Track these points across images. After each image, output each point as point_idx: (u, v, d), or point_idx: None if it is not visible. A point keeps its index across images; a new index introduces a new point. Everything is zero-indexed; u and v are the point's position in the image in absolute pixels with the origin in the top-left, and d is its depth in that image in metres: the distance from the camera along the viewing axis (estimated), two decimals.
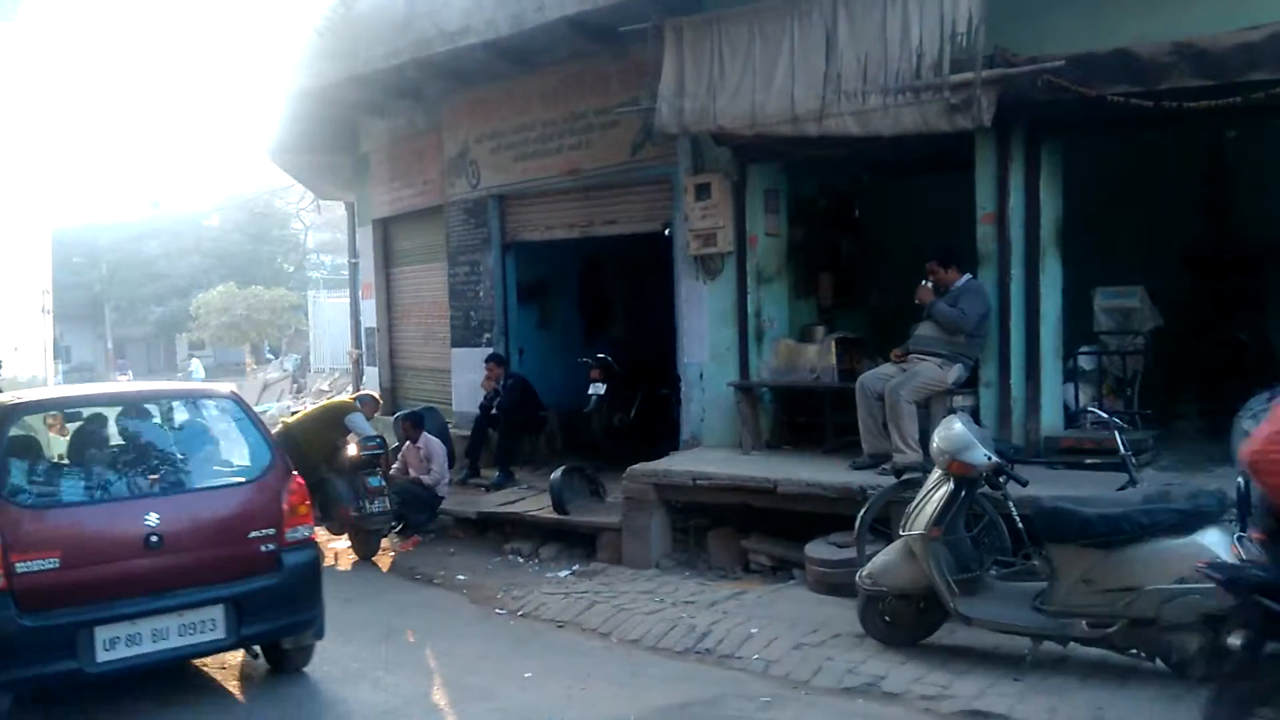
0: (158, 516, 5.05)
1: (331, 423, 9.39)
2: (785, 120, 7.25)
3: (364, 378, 14.20)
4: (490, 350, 10.80)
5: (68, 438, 6.14)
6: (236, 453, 5.79)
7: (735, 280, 8.58)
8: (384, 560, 8.96)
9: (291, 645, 5.60)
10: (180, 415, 6.00)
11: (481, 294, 11.10)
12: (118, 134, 77.97)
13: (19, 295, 16.45)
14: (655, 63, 7.75)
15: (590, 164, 9.70)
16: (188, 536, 5.13)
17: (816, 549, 6.93)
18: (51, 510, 5.06)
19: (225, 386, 6.55)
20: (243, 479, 5.61)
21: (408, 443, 9.71)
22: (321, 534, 9.56)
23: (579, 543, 8.52)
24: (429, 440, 9.67)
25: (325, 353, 31.13)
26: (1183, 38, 6.18)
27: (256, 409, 19.70)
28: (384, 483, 8.97)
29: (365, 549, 9.04)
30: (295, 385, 31.86)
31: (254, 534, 5.32)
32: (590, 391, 10.48)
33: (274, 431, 9.58)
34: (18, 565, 4.71)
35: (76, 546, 4.87)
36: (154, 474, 5.40)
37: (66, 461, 5.65)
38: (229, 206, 50.84)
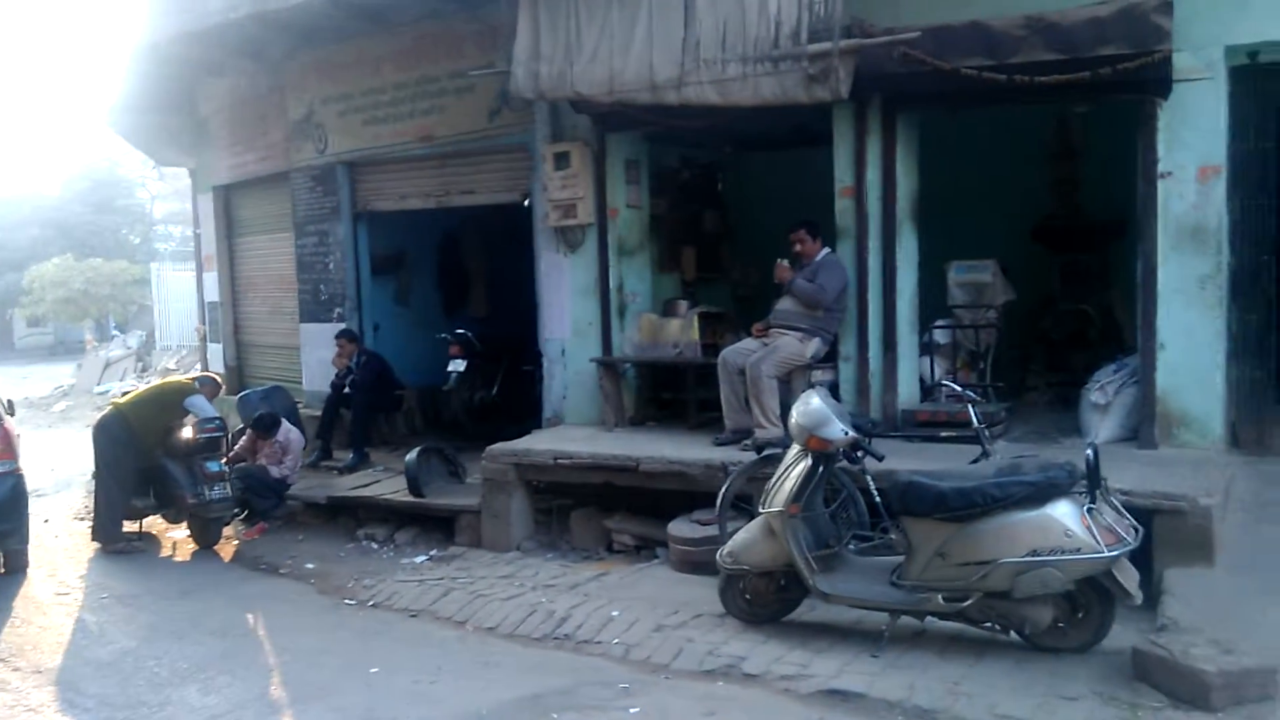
0: None
1: (167, 404, 8.75)
2: (644, 88, 7.04)
3: (209, 355, 13.43)
4: (342, 326, 10.30)
5: None
6: None
7: (596, 253, 8.35)
8: (226, 549, 8.44)
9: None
10: None
11: (332, 266, 10.57)
12: None
13: None
14: (510, 24, 7.42)
15: (445, 130, 9.30)
16: None
17: (679, 527, 6.82)
18: None
19: None
20: None
21: (261, 440, 9.14)
22: (159, 523, 9.00)
23: (437, 527, 8.19)
24: (289, 432, 9.13)
25: (172, 329, 29.57)
26: (1035, 12, 6.23)
27: (97, 389, 18.57)
28: (224, 468, 8.45)
29: (205, 537, 8.50)
30: (140, 364, 30.22)
31: None
32: (450, 369, 10.13)
33: (104, 413, 8.98)
34: None
35: None
36: None
37: None
38: (70, 175, 47.84)
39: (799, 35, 6.56)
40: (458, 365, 10.05)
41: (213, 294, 13.11)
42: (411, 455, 8.36)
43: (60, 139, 44.56)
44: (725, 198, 10.06)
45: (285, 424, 9.20)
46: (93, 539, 8.53)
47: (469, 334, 10.25)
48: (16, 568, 7.79)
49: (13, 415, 8.38)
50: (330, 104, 10.22)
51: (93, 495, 8.72)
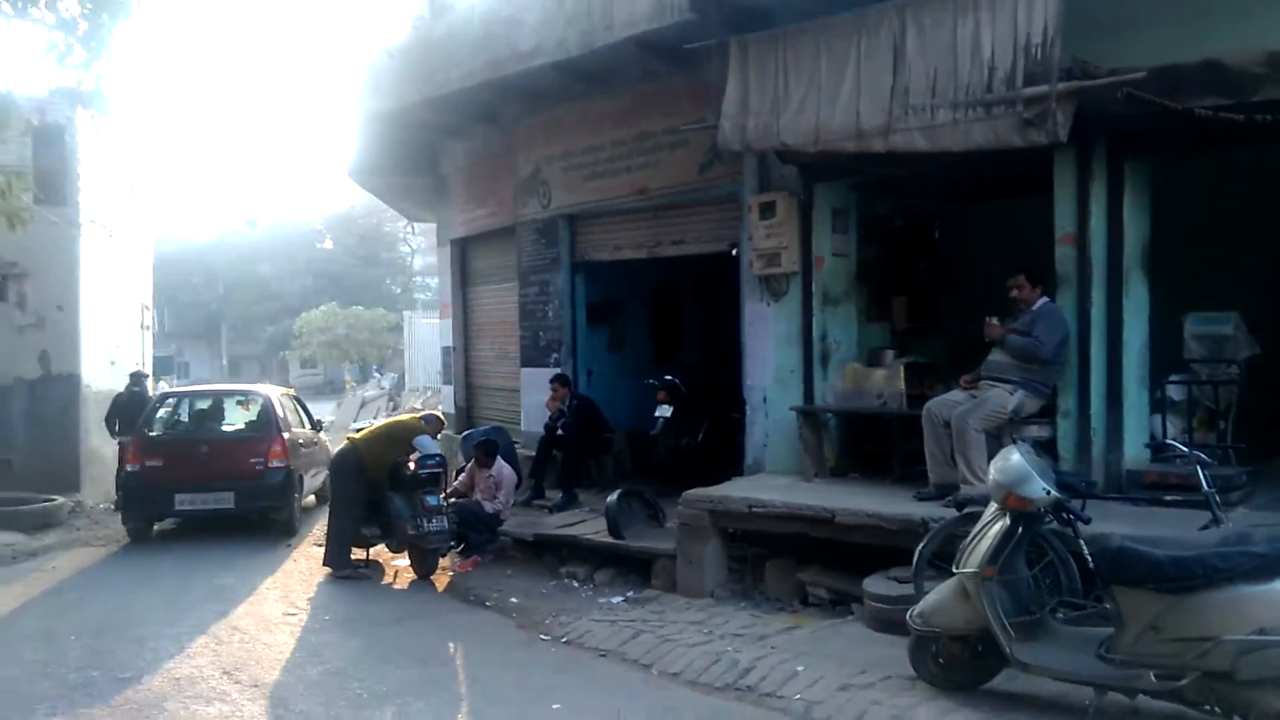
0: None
1: (395, 441, 9.38)
2: (850, 136, 6.98)
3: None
4: (557, 370, 10.71)
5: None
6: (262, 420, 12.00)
7: (800, 301, 8.31)
8: (442, 580, 8.89)
9: (275, 517, 11.23)
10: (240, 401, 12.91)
11: (550, 314, 11.04)
12: (215, 153, 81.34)
13: (122, 311, 17.06)
14: (721, 82, 7.57)
15: (659, 184, 9.57)
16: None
17: (875, 584, 6.59)
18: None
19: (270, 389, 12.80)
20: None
21: (474, 465, 9.65)
22: (385, 552, 9.60)
23: (635, 569, 8.31)
24: (502, 468, 9.59)
25: (419, 371, 31.75)
26: (1277, 47, 5.74)
27: (353, 426, 19.93)
28: (442, 502, 8.93)
29: (423, 568, 8.99)
30: (391, 403, 32.54)
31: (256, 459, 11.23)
32: (656, 414, 10.29)
33: (341, 448, 9.73)
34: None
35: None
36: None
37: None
38: (339, 230, 52.64)
39: (1014, 79, 6.31)
40: (664, 411, 10.19)
41: (447, 339, 13.96)
42: (612, 498, 8.54)
43: (330, 194, 49.14)
44: (941, 247, 9.75)
45: (500, 460, 9.64)
46: (324, 564, 9.20)
47: (676, 380, 10.39)
48: (287, 532, 11.20)
49: (319, 431, 12.89)
50: (554, 161, 10.75)
51: (327, 523, 9.40)
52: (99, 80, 8.62)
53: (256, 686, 5.95)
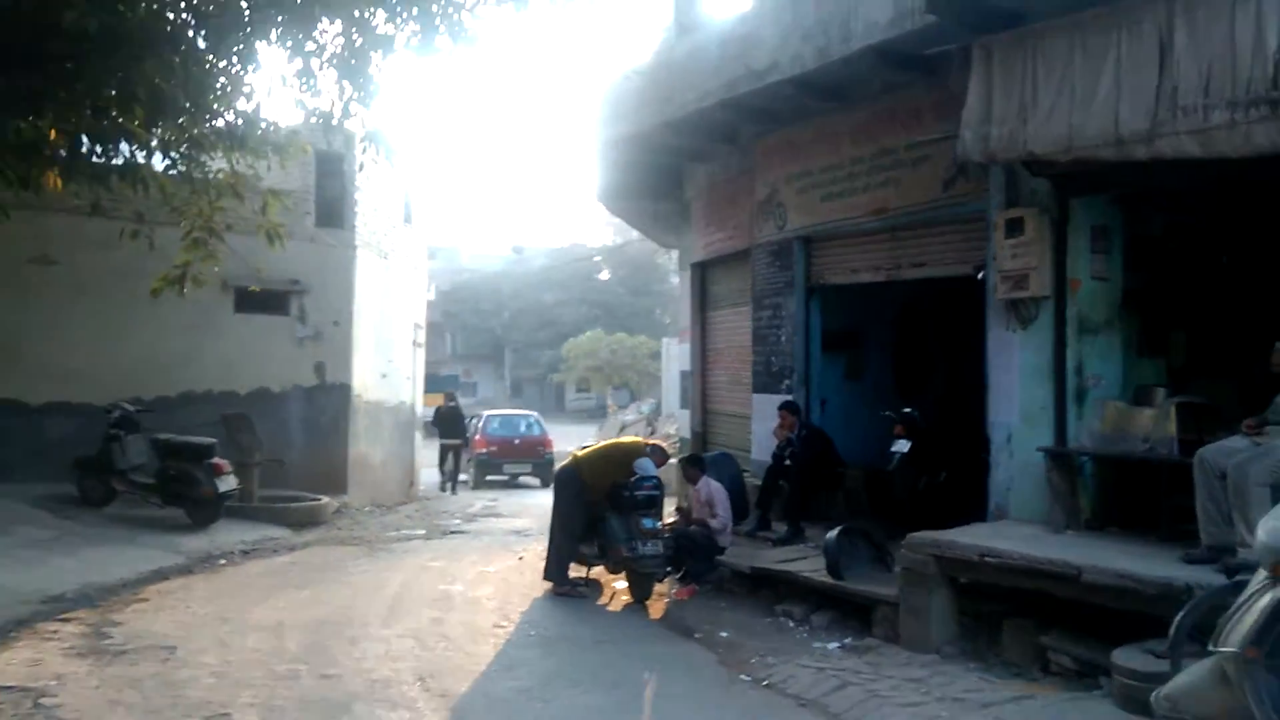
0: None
1: (617, 462, 9.29)
2: (1108, 143, 6.16)
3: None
4: (787, 398, 10.26)
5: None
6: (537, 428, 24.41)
7: (1052, 329, 7.44)
8: (656, 606, 8.67)
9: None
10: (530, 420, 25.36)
11: (783, 339, 10.62)
12: (485, 182, 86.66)
13: (395, 328, 18.26)
14: (962, 89, 6.95)
15: (898, 202, 8.96)
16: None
17: (1127, 656, 5.67)
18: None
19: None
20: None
21: (689, 485, 9.43)
22: (606, 572, 9.51)
23: (855, 613, 7.71)
24: (709, 483, 9.32)
25: (675, 397, 32.13)
26: None
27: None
28: (658, 526, 8.72)
29: (639, 591, 8.82)
30: (649, 428, 33.07)
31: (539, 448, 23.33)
32: (893, 449, 9.60)
33: (564, 464, 9.77)
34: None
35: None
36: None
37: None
38: (615, 261, 54.71)
39: None
40: (901, 446, 9.48)
41: (685, 364, 13.85)
42: (832, 535, 8.00)
43: (610, 229, 51.15)
44: (1228, 271, 8.50)
45: (706, 477, 9.35)
46: (544, 578, 9.23)
47: (915, 414, 9.66)
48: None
49: None
50: (791, 181, 10.36)
51: (548, 538, 9.44)
52: (367, 112, 9.13)
53: (444, 696, 5.93)
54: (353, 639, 7.20)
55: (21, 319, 12.77)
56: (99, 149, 8.39)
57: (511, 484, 23.31)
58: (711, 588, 9.09)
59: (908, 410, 9.78)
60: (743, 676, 6.54)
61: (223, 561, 10.64)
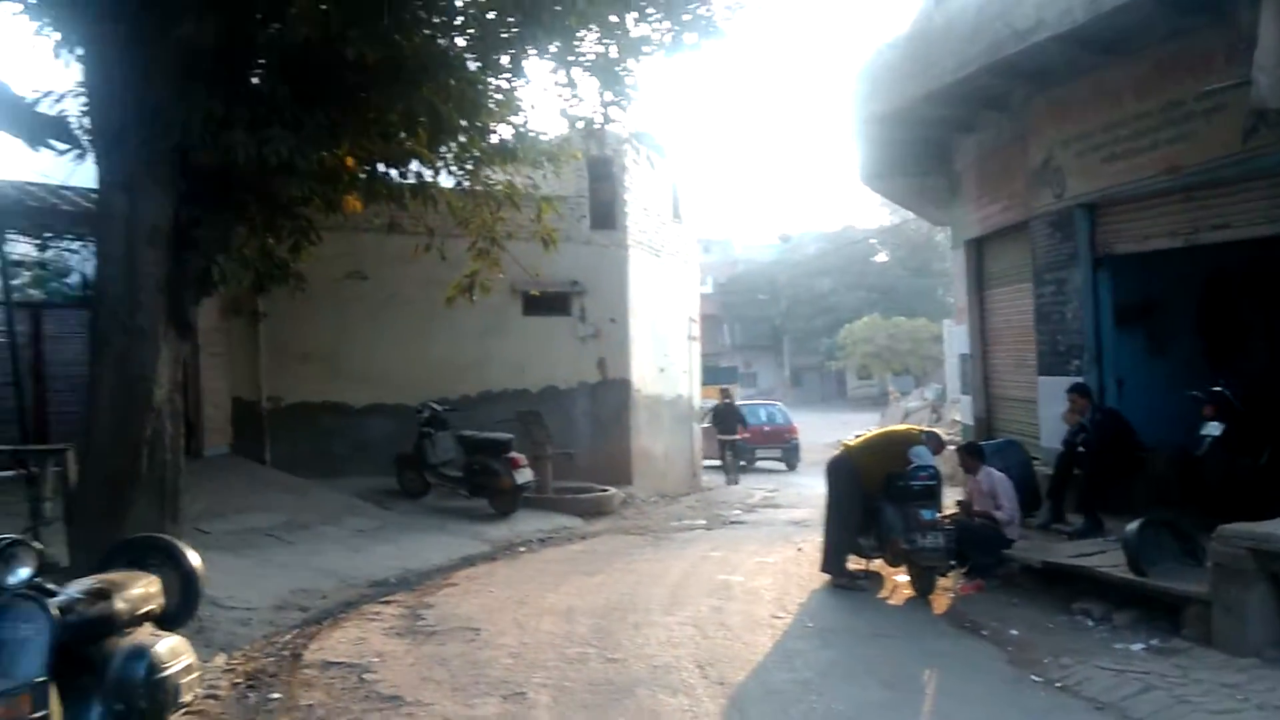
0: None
1: (891, 451, 9.06)
2: None
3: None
4: (1077, 379, 9.59)
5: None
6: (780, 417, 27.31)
7: None
8: (940, 600, 8.38)
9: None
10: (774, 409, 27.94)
11: (1069, 316, 9.92)
12: (751, 171, 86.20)
13: (669, 323, 18.77)
14: (1254, 28, 6.22)
15: (1192, 159, 8.14)
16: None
17: None
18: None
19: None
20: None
21: (968, 475, 9.04)
22: (881, 565, 9.32)
23: (1163, 613, 7.10)
24: (990, 474, 8.89)
25: (957, 382, 30.82)
26: None
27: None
28: (937, 517, 8.43)
29: (920, 585, 8.55)
30: (934, 414, 31.99)
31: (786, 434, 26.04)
32: (1203, 432, 8.74)
33: (836, 454, 9.66)
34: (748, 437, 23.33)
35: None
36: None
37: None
38: (892, 242, 53.26)
39: None
40: (1212, 429, 8.60)
41: (962, 346, 13.28)
42: (1132, 527, 7.40)
43: (886, 209, 49.74)
44: None
45: (987, 467, 8.92)
46: (821, 569, 9.18)
47: (1226, 392, 8.74)
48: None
49: None
50: (1068, 145, 9.66)
51: (824, 529, 9.37)
52: (628, 115, 9.47)
53: (721, 684, 6.05)
54: (636, 625, 7.50)
55: (341, 330, 14.25)
56: (392, 171, 9.24)
57: (749, 468, 24.38)
58: (999, 583, 8.67)
59: (1219, 388, 8.88)
60: (1033, 677, 6.20)
61: (522, 549, 11.38)
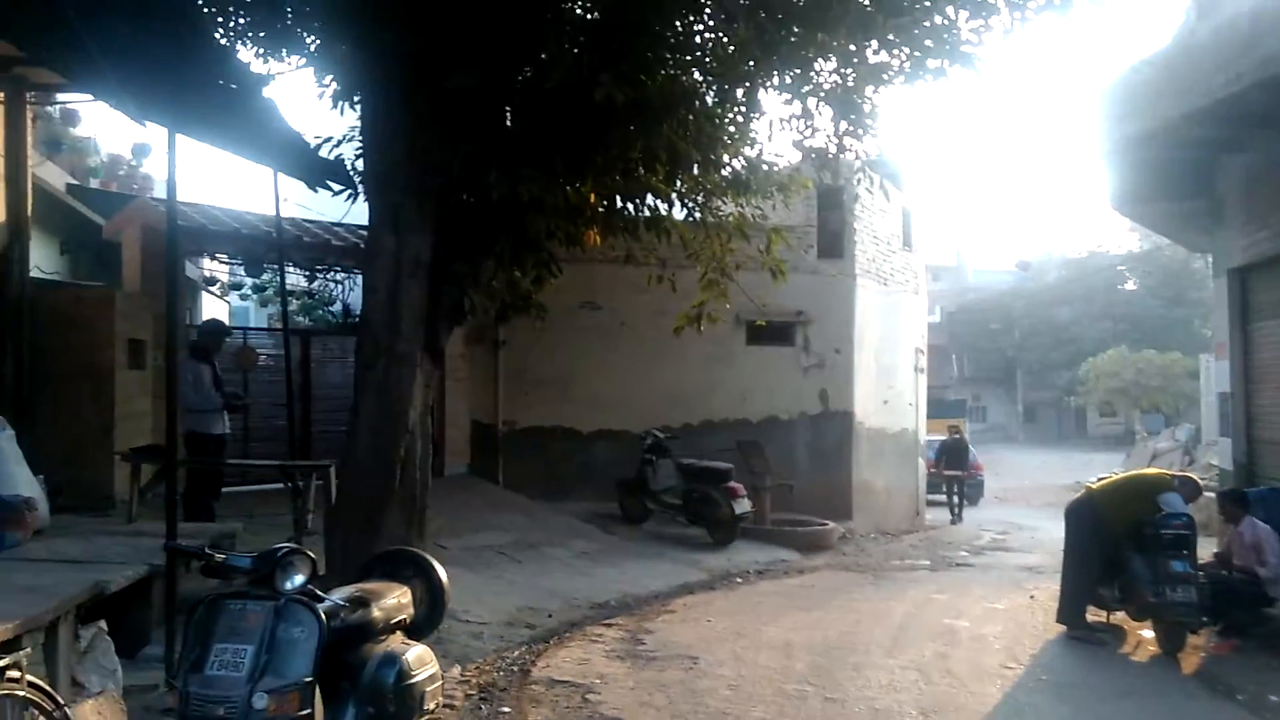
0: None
1: (1139, 495, 8.47)
2: None
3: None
4: None
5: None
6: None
7: None
8: (1190, 659, 7.76)
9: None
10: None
11: None
12: (985, 198, 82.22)
13: (896, 354, 18.33)
14: None
15: None
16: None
17: None
18: None
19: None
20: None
21: (1229, 526, 8.32)
22: (1124, 618, 8.73)
23: None
24: (1254, 524, 8.17)
25: (1214, 423, 28.34)
26: None
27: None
28: (1191, 570, 7.81)
29: (1168, 642, 7.94)
30: (1187, 457, 29.65)
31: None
32: None
33: (1077, 497, 9.14)
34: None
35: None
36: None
37: None
38: (1142, 269, 49.71)
39: None
40: None
41: (1223, 384, 12.25)
42: None
43: (1133, 234, 46.33)
44: None
45: (1251, 518, 8.18)
46: (1057, 619, 8.68)
47: None
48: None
49: None
50: None
51: (1061, 576, 8.87)
52: (861, 144, 9.39)
53: None
54: (856, 665, 7.35)
55: (573, 357, 14.79)
56: (629, 206, 9.55)
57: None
58: (1258, 644, 7.94)
59: None
60: None
61: (739, 580, 11.40)
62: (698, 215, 10.13)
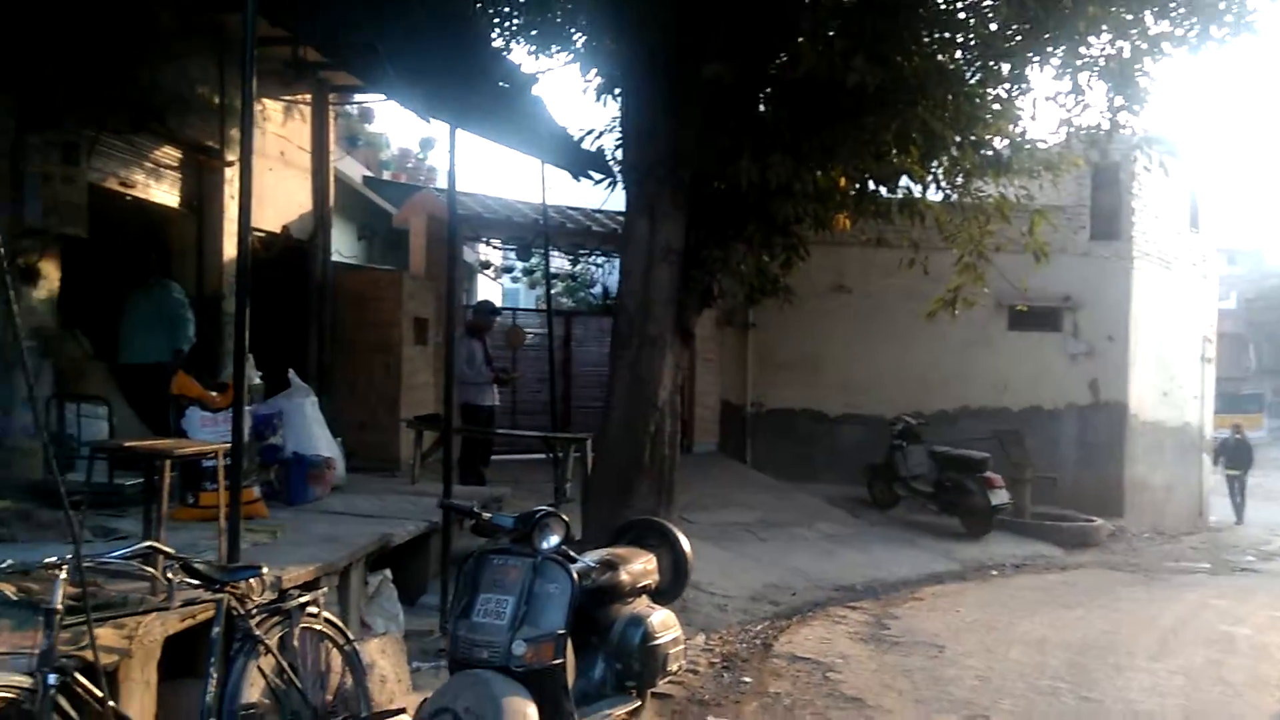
0: None
1: None
2: None
3: None
4: None
5: None
6: None
7: None
8: None
9: None
10: None
11: None
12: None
13: (1178, 343, 16.96)
14: None
15: None
16: None
17: None
18: None
19: None
20: None
21: None
22: None
23: None
24: None
25: None
26: None
27: None
28: None
29: None
30: None
31: None
32: None
33: None
34: None
35: None
36: None
37: None
38: None
39: None
40: None
41: None
42: None
43: None
44: None
45: None
46: None
47: None
48: None
49: None
50: None
51: None
52: (1138, 119, 8.82)
53: None
54: (1116, 666, 6.99)
55: (822, 340, 14.75)
56: (882, 188, 9.43)
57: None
58: None
59: None
60: None
61: (994, 572, 11.04)
62: (956, 197, 9.86)
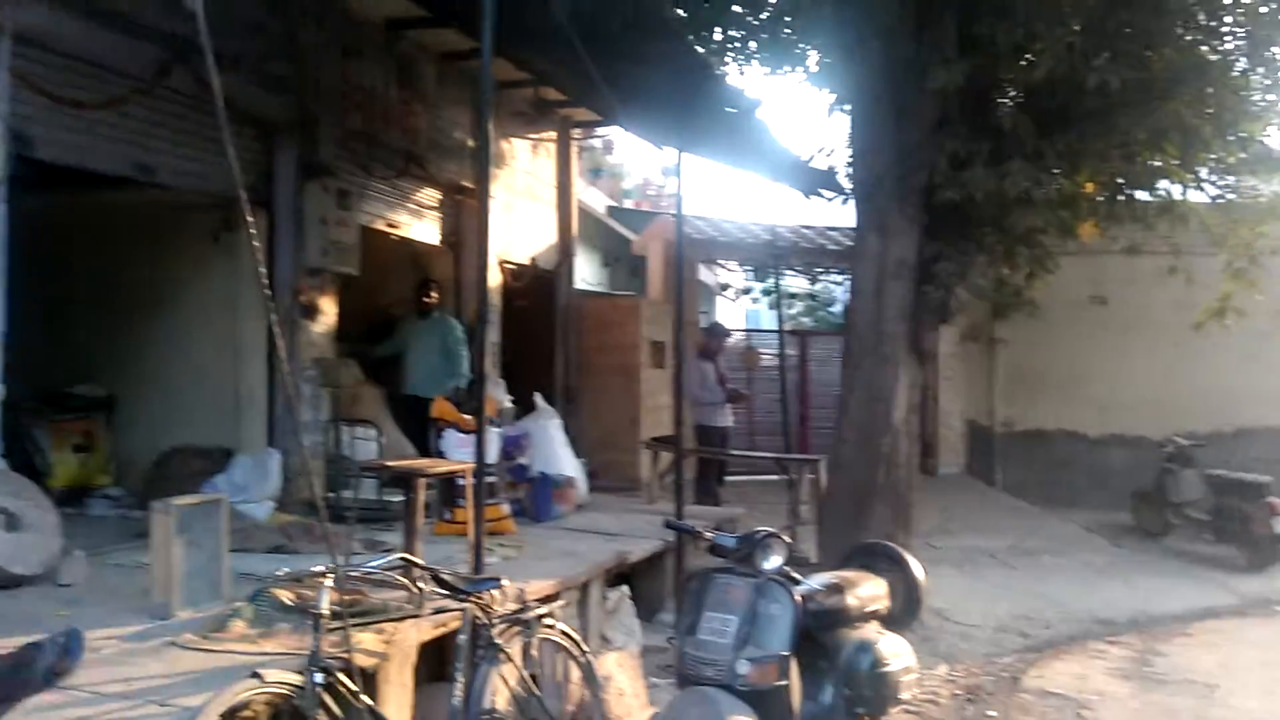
0: None
1: None
2: None
3: None
4: None
5: None
6: None
7: None
8: None
9: None
10: None
11: None
12: None
13: None
14: None
15: None
16: None
17: None
18: None
19: None
20: None
21: None
22: None
23: None
24: None
25: None
26: None
27: None
28: None
29: None
30: None
31: None
32: None
33: None
34: None
35: None
36: None
37: None
38: None
39: None
40: None
41: None
42: None
43: None
44: None
45: None
46: None
47: None
48: None
49: None
50: None
51: None
52: None
53: None
54: None
55: (1078, 355, 13.87)
56: (1136, 192, 8.82)
57: None
58: None
59: None
60: None
61: (1277, 607, 9.97)
62: (1228, 197, 9.09)
